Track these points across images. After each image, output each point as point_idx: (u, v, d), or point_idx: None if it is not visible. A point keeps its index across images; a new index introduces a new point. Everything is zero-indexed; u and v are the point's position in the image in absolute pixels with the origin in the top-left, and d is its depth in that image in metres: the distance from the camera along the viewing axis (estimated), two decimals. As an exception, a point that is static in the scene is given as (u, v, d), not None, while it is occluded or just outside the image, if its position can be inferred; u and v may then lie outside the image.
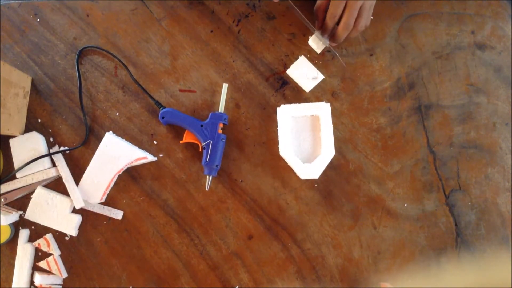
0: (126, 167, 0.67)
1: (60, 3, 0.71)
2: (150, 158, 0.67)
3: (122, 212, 0.67)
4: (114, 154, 0.67)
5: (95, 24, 0.71)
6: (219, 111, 0.68)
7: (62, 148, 0.68)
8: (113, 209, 0.67)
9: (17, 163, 0.66)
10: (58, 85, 0.70)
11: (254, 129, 0.69)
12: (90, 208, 0.67)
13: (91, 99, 0.70)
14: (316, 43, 0.69)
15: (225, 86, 0.68)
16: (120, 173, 0.67)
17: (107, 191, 0.67)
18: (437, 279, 0.67)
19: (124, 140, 0.68)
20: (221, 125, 0.66)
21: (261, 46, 0.71)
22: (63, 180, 0.66)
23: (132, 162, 0.66)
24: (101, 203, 0.67)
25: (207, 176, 0.67)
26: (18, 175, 0.66)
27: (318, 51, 0.70)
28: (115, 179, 0.67)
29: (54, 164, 0.67)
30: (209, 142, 0.65)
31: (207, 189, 0.67)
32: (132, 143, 0.68)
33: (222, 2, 0.72)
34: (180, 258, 0.67)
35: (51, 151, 0.67)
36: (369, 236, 0.68)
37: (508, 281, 0.61)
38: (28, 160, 0.65)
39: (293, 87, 0.70)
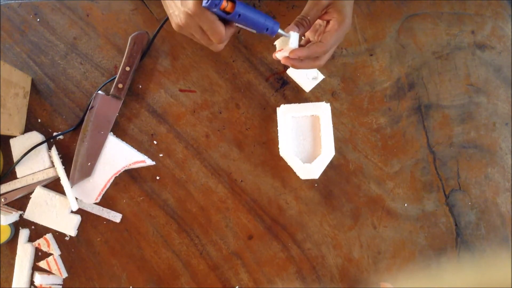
0: (123, 169, 0.67)
1: (60, 3, 0.71)
2: (149, 162, 0.67)
3: (121, 215, 0.67)
4: (113, 156, 0.67)
5: (95, 24, 0.71)
6: None
7: (59, 133, 0.68)
8: (112, 212, 0.67)
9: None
10: (58, 85, 0.70)
11: (254, 129, 0.69)
12: (89, 210, 0.67)
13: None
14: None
15: None
16: (117, 174, 0.67)
17: (103, 192, 0.67)
18: (437, 279, 0.67)
19: (124, 142, 0.68)
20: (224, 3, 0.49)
21: (261, 46, 0.71)
22: (61, 181, 0.66)
23: (130, 164, 0.66)
24: (100, 205, 0.67)
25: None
26: (18, 175, 0.66)
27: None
28: (111, 180, 0.67)
29: (54, 164, 0.67)
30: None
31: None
32: (132, 143, 0.68)
33: (222, 2, 0.72)
34: (180, 258, 0.67)
35: (51, 150, 0.67)
36: (369, 236, 0.68)
37: (508, 281, 0.61)
38: (26, 151, 0.65)
39: (293, 87, 0.70)
